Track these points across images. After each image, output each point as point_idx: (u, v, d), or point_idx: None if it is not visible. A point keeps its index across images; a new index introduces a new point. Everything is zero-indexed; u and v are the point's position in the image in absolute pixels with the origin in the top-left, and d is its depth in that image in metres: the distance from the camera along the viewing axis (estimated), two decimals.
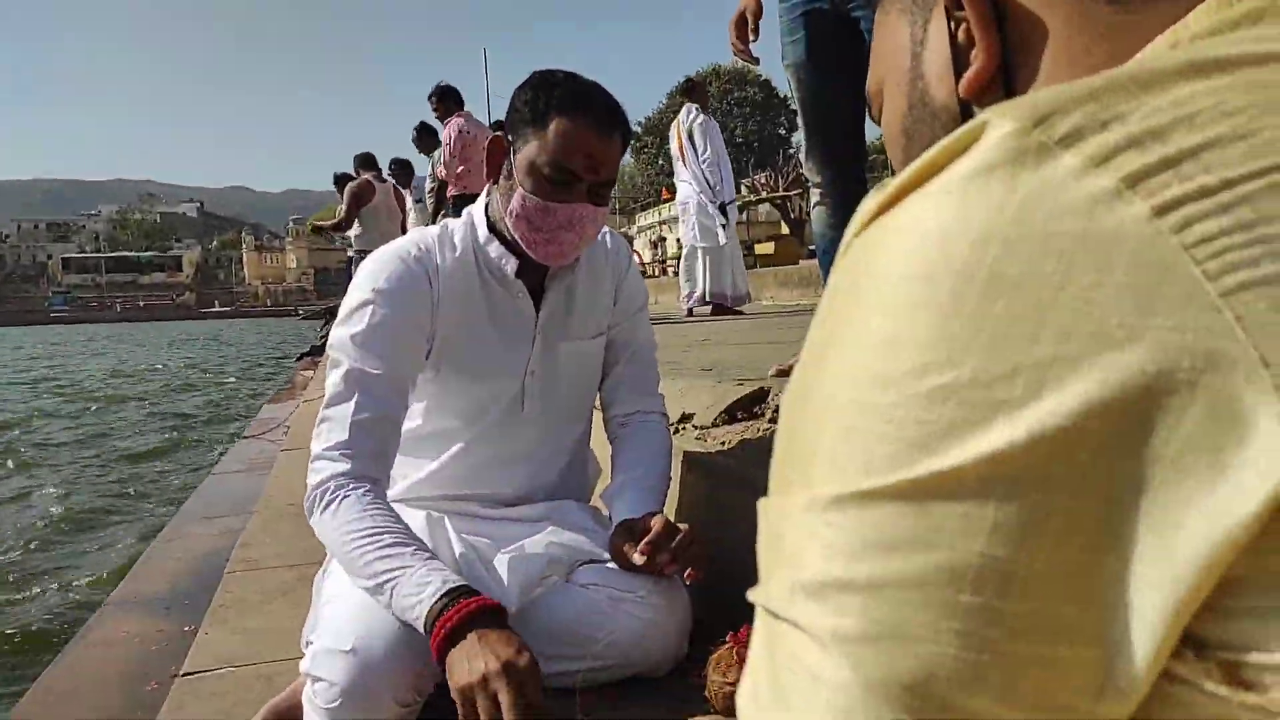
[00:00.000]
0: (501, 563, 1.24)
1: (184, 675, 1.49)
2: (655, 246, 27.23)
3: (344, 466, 1.15)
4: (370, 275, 1.24)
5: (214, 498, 3.69)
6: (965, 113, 0.44)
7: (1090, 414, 0.26)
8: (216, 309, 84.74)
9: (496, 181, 1.27)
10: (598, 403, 1.49)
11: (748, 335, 3.42)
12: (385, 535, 1.09)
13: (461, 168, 6.02)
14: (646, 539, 1.18)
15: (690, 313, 6.26)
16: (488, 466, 1.35)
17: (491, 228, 1.30)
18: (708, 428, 1.54)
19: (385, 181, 7.41)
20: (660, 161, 38.86)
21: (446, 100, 6.26)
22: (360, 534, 1.10)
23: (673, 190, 6.69)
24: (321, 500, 1.15)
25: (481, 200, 1.32)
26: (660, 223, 27.97)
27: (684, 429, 1.60)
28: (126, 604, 2.32)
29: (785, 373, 1.72)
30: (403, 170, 7.98)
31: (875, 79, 0.52)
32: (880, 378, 0.29)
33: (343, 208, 7.13)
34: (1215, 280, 0.26)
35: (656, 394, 1.44)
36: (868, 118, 0.55)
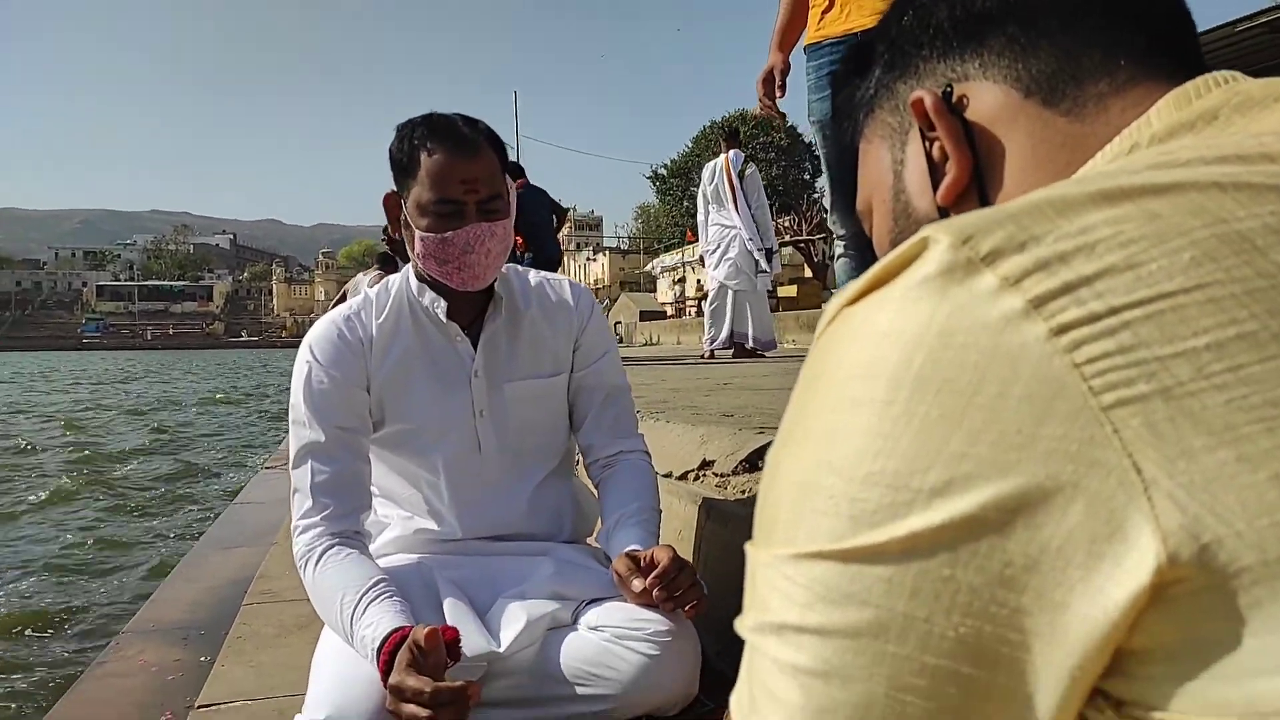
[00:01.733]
0: (502, 608, 1.26)
1: (199, 707, 1.49)
2: (677, 286, 27.30)
3: (316, 531, 1.25)
4: (309, 342, 1.35)
5: (234, 528, 3.71)
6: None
7: (989, 506, 0.30)
8: (244, 339, 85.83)
9: (402, 235, 1.33)
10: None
11: (769, 380, 3.41)
12: (350, 589, 1.17)
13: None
14: (655, 572, 1.19)
15: (712, 354, 6.26)
16: (460, 506, 1.38)
17: (420, 277, 1.36)
18: (727, 475, 1.53)
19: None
20: (685, 204, 39.10)
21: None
22: (330, 590, 1.19)
23: (696, 232, 6.75)
24: (302, 565, 1.25)
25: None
26: (684, 263, 28.06)
27: (704, 475, 1.60)
28: (144, 632, 2.32)
29: None
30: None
31: (864, 199, 0.57)
32: (825, 463, 0.34)
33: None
34: (1098, 396, 0.30)
35: (636, 434, 1.47)
36: None
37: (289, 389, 1.35)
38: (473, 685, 1.04)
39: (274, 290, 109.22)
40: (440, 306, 1.34)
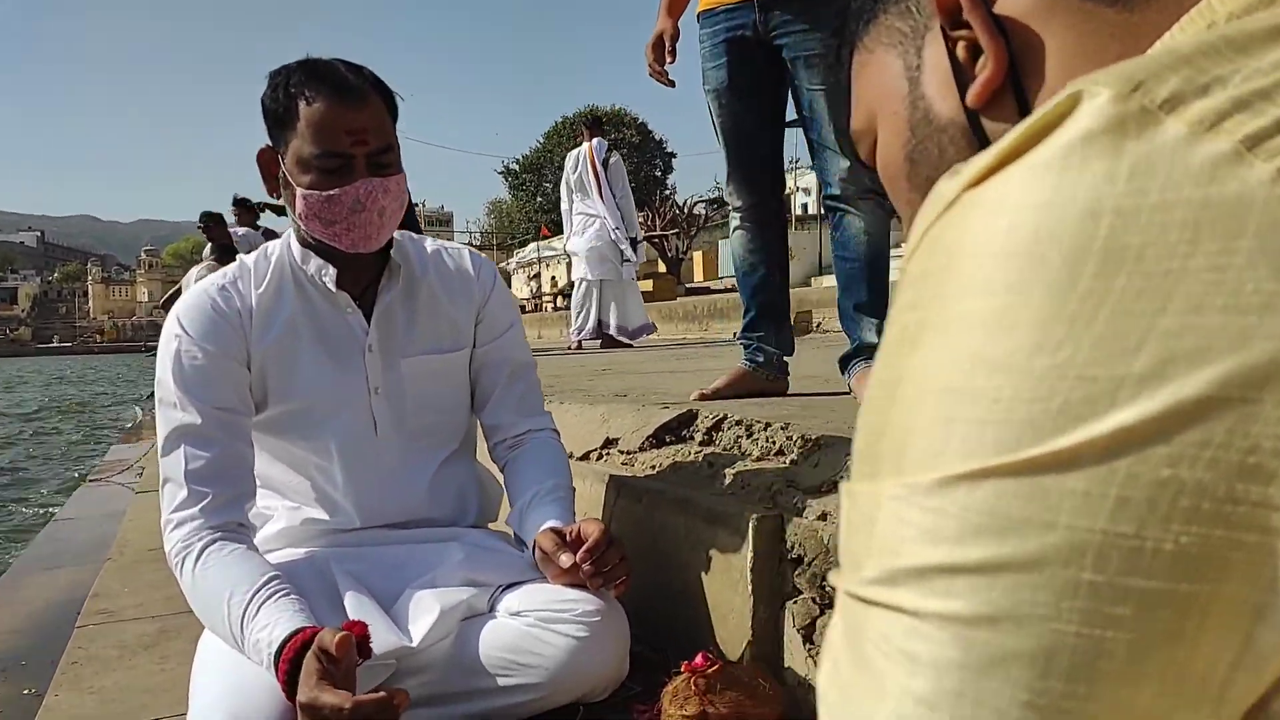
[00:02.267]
0: (409, 599, 1.16)
1: None
2: (533, 281, 27.13)
3: (193, 525, 1.11)
4: (177, 314, 1.20)
5: (55, 546, 3.34)
6: (973, 123, 0.46)
7: (1228, 383, 0.25)
8: (57, 344, 79.00)
9: (280, 195, 1.21)
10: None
11: (649, 365, 3.40)
12: (239, 588, 1.05)
13: None
14: (586, 546, 1.12)
15: (579, 345, 6.20)
16: (356, 492, 1.27)
17: (304, 242, 1.23)
18: (634, 452, 1.48)
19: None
20: (538, 199, 38.85)
21: None
22: (214, 591, 1.06)
23: (551, 227, 6.72)
24: (179, 564, 1.11)
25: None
26: (540, 259, 27.89)
27: (608, 454, 1.53)
28: None
29: (707, 397, 1.68)
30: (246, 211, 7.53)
31: (863, 116, 0.52)
32: (984, 360, 0.28)
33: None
34: None
35: (544, 412, 1.39)
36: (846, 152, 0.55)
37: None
38: (400, 693, 0.93)
39: (90, 291, 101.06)
40: (328, 274, 1.21)
